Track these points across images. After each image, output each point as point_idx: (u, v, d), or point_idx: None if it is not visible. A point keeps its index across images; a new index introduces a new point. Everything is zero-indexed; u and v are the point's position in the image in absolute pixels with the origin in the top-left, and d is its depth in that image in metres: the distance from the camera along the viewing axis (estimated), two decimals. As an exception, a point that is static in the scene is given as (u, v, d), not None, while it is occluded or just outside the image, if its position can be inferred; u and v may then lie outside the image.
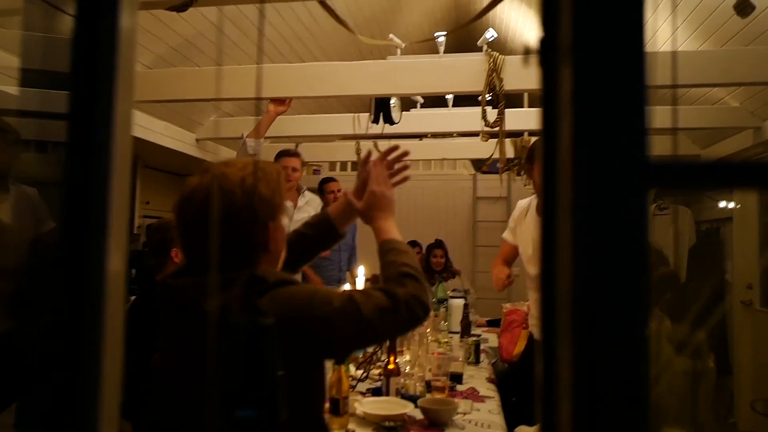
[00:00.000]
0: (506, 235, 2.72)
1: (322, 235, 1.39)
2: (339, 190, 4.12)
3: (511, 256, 2.70)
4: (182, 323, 1.07)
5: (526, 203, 2.63)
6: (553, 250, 0.33)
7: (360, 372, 2.31)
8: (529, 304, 2.67)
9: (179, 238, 1.15)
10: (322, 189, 4.18)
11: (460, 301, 3.59)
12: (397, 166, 1.34)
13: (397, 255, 1.15)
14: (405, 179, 1.35)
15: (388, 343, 2.45)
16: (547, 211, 0.34)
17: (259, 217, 1.05)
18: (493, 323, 4.12)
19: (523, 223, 2.58)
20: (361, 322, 1.00)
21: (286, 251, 1.20)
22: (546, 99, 0.35)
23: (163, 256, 2.33)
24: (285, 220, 1.14)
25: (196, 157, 4.37)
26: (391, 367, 2.02)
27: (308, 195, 3.56)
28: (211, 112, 4.16)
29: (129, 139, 0.39)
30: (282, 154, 3.21)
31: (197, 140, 4.26)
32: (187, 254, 1.14)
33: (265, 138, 4.97)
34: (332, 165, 6.62)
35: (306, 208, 3.40)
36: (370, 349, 2.61)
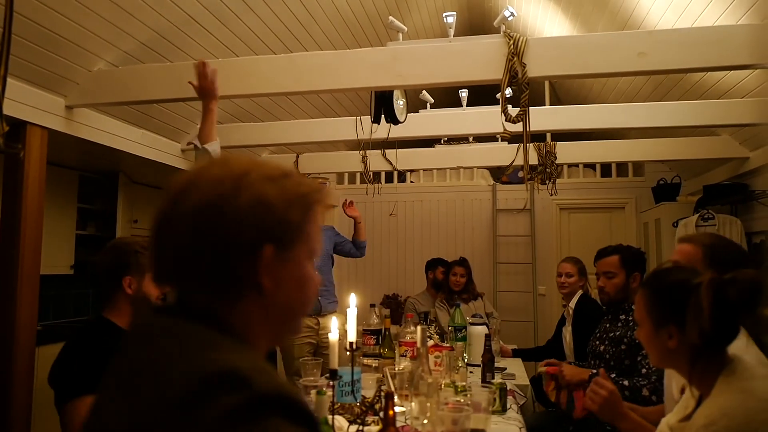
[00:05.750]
0: None
1: None
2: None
3: None
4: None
5: None
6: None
7: (354, 429, 1.81)
8: None
9: (155, 252, 0.74)
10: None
11: (482, 329, 3.08)
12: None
13: None
14: None
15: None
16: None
17: (242, 236, 0.68)
18: (522, 354, 3.59)
19: None
20: None
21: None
22: None
23: (112, 285, 1.87)
24: (309, 265, 0.76)
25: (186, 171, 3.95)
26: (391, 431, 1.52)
27: None
28: (197, 117, 3.72)
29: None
30: None
31: (183, 151, 3.83)
32: (163, 278, 0.74)
33: (264, 146, 4.55)
34: (340, 177, 6.17)
35: None
36: (369, 397, 2.11)
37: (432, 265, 4.64)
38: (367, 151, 4.28)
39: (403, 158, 4.45)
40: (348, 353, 1.94)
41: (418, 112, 3.70)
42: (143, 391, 0.61)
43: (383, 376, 2.16)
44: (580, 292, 3.29)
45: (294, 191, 0.73)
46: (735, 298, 1.12)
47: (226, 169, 0.71)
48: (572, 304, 3.26)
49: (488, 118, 3.55)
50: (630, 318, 2.45)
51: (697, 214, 4.34)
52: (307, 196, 0.74)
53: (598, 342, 2.59)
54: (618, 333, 2.46)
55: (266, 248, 0.69)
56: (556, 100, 5.75)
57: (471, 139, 4.54)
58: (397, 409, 1.95)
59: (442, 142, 4.70)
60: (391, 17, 2.62)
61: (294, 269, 0.73)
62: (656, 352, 1.27)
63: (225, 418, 0.55)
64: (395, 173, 5.81)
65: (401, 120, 2.85)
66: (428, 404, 1.82)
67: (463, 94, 3.87)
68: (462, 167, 5.25)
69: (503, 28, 2.44)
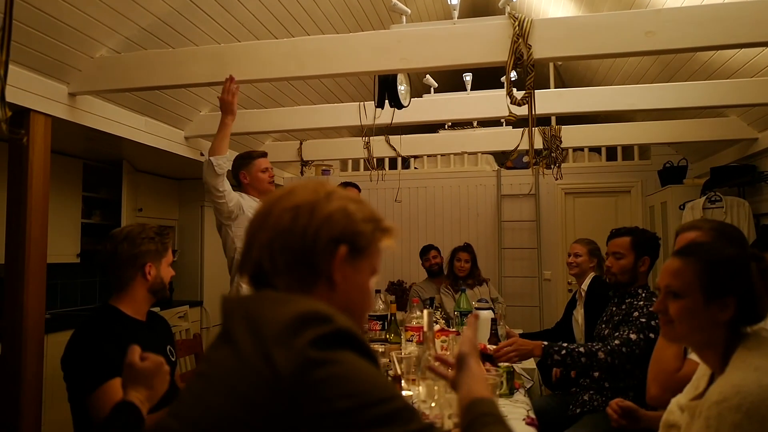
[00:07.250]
0: None
1: None
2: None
3: None
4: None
5: None
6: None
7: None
8: None
9: (250, 240, 0.88)
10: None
11: (488, 313, 3.07)
12: None
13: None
14: None
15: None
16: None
17: (327, 231, 0.84)
18: (528, 338, 3.57)
19: None
20: None
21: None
22: None
23: (130, 273, 1.85)
24: (370, 281, 0.92)
25: (192, 159, 3.94)
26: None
27: None
28: (200, 104, 3.71)
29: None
30: (252, 156, 2.86)
31: (186, 138, 3.82)
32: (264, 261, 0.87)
33: (267, 133, 4.54)
34: (343, 163, 6.15)
35: None
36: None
37: (424, 252, 4.63)
38: (371, 138, 4.26)
39: (407, 144, 4.43)
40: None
41: (421, 97, 3.67)
42: (241, 337, 0.74)
43: (390, 360, 2.17)
44: (592, 274, 3.27)
45: (369, 212, 0.89)
46: None
47: (321, 185, 0.89)
48: (584, 285, 3.24)
49: (492, 102, 3.52)
50: (634, 302, 2.43)
51: (704, 197, 4.31)
52: (379, 221, 0.90)
53: (603, 326, 2.58)
54: (621, 317, 2.45)
55: (342, 247, 0.84)
56: (561, 84, 5.70)
57: (475, 124, 4.51)
58: (404, 393, 1.96)
59: (446, 127, 4.67)
60: (394, 0, 2.59)
61: (359, 276, 0.87)
62: (695, 324, 1.21)
63: (312, 344, 0.70)
64: (399, 159, 5.79)
65: (405, 104, 2.83)
66: (436, 388, 1.82)
67: (468, 78, 3.83)
68: (466, 152, 5.22)
69: (508, 9, 2.40)
